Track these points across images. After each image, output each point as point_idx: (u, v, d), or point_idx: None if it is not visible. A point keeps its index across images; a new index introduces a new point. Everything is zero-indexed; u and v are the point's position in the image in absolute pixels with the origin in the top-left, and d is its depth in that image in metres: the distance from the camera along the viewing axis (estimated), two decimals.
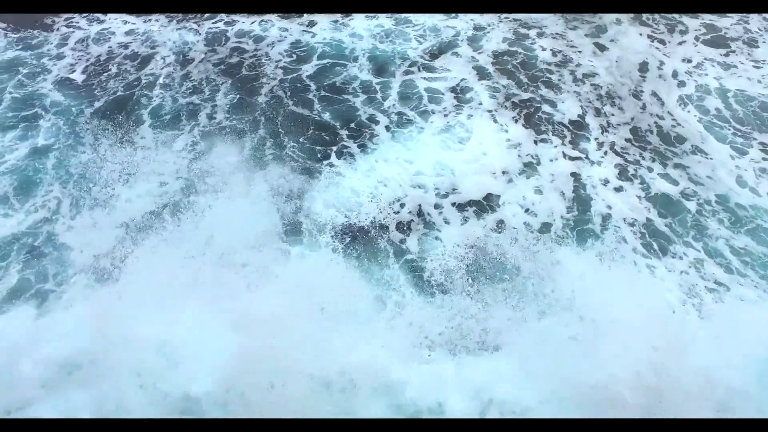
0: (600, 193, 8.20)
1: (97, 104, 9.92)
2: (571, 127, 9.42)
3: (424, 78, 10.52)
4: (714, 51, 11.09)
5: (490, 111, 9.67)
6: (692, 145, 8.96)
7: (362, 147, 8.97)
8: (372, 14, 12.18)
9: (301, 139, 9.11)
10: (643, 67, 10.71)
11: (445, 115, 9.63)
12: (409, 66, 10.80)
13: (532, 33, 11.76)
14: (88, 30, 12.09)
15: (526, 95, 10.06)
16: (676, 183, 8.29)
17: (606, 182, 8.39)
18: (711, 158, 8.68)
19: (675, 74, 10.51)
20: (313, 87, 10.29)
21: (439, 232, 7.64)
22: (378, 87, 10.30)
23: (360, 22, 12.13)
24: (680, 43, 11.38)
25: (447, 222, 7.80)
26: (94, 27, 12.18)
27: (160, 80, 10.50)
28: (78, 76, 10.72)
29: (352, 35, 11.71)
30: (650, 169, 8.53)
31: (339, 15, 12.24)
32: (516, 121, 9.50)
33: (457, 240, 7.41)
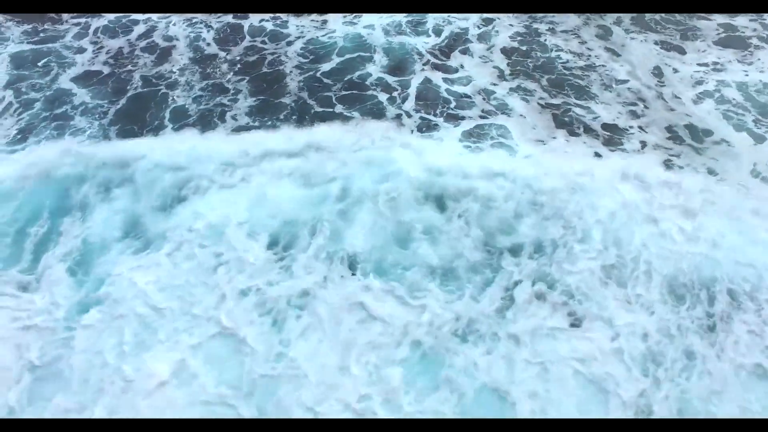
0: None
1: (119, 103, 9.91)
2: (605, 127, 9.38)
3: (444, 79, 10.49)
4: (730, 50, 11.24)
5: (522, 115, 9.61)
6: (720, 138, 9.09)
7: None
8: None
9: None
10: (658, 69, 10.81)
11: (481, 117, 9.57)
12: (425, 64, 10.79)
13: (543, 27, 11.83)
14: (100, 21, 12.00)
15: (548, 95, 10.08)
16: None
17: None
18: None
19: (692, 72, 10.64)
20: (334, 87, 10.29)
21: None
22: (398, 87, 10.28)
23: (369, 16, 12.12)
24: (697, 39, 11.53)
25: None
26: (104, 18, 12.05)
27: (180, 81, 10.44)
28: (96, 70, 10.68)
29: (365, 32, 11.67)
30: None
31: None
32: (550, 125, 9.41)
33: None
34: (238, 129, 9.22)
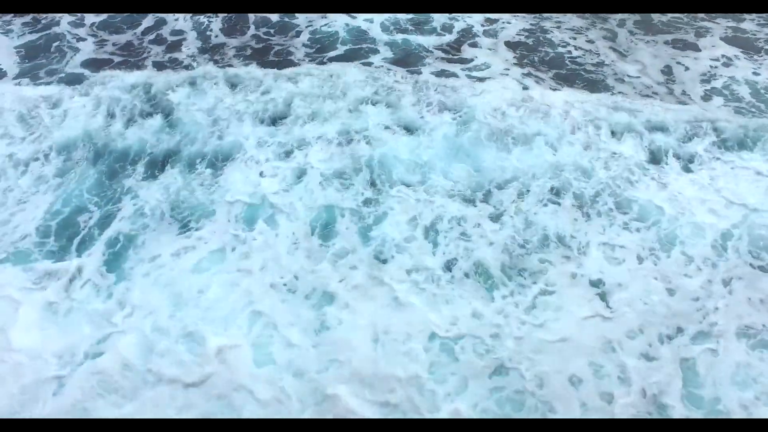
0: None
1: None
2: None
3: (463, 69, 10.44)
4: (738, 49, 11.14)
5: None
6: None
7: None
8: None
9: None
10: (668, 68, 10.72)
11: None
12: (436, 58, 10.75)
13: (548, 24, 11.88)
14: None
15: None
16: None
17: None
18: None
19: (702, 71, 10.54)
20: None
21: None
22: (408, 75, 10.13)
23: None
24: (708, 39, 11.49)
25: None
26: None
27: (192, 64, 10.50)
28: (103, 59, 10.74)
29: (365, 26, 11.75)
30: None
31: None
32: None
33: None
34: None
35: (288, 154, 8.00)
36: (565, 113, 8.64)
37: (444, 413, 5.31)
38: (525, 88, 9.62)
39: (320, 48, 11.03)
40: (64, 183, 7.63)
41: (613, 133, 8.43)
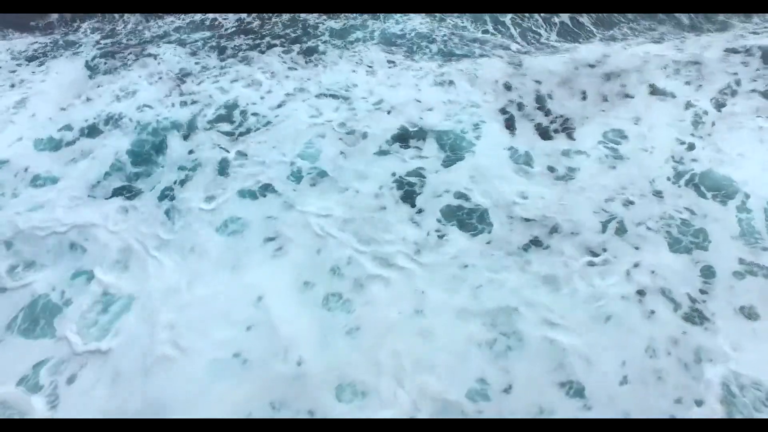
0: None
1: None
2: None
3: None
4: None
5: None
6: None
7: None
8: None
9: None
10: None
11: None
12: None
13: None
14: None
15: None
16: None
17: None
18: None
19: None
20: None
21: None
22: None
23: None
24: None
25: None
26: None
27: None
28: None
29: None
30: None
31: None
32: None
33: None
34: None
35: (347, 116, 7.86)
36: None
37: None
38: None
39: None
40: (113, 139, 7.70)
41: None
